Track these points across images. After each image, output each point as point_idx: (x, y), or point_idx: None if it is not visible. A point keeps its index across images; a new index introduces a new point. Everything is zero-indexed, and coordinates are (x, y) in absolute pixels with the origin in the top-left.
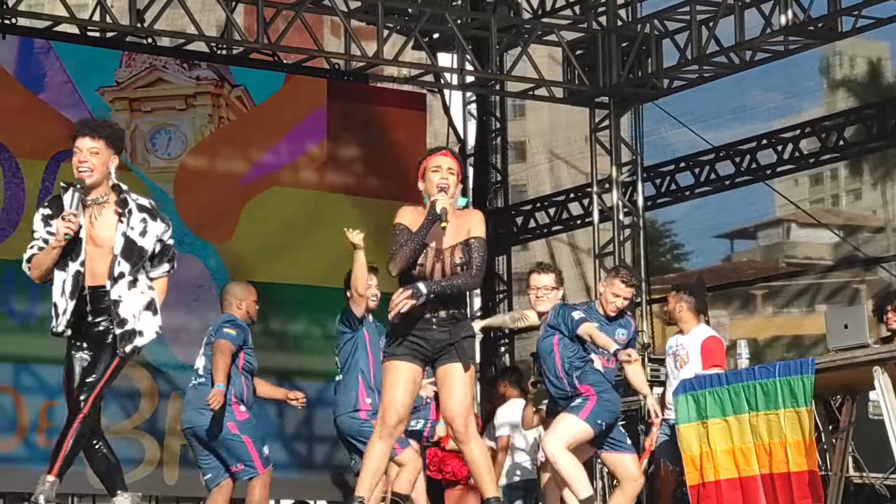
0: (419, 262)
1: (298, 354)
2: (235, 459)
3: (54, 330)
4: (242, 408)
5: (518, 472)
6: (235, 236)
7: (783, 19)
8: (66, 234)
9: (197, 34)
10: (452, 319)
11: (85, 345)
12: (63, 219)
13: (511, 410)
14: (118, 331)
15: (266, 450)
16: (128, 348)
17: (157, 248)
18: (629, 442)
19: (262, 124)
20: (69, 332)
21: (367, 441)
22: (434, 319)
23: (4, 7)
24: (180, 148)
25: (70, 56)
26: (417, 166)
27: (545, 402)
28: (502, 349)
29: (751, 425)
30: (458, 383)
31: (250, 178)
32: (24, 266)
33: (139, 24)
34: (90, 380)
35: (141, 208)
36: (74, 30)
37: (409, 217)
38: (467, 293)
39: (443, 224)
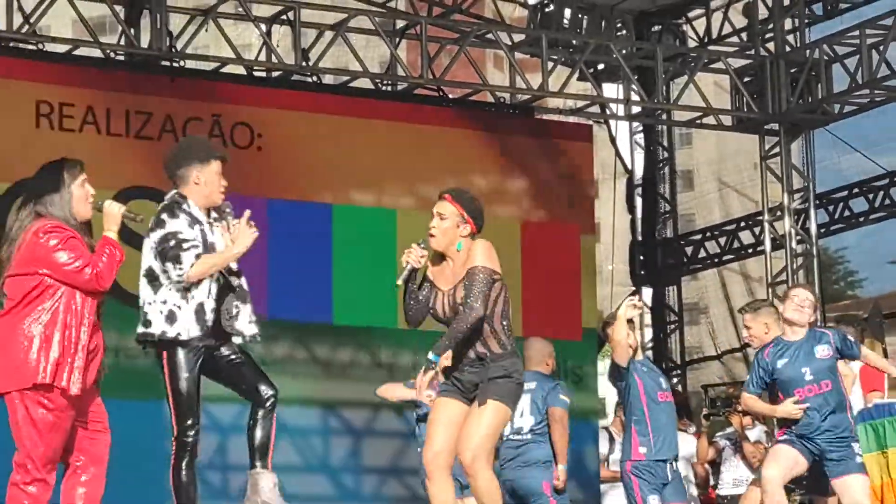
0: (432, 305)
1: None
2: None
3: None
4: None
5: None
6: None
7: None
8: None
9: (361, 71)
10: (480, 361)
11: (222, 342)
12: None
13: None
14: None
15: None
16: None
17: None
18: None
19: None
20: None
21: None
22: (464, 363)
23: (173, 51)
24: None
25: None
26: None
27: (719, 433)
28: (675, 380)
29: None
30: (473, 418)
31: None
32: (187, 270)
33: (304, 63)
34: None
35: None
36: (241, 70)
37: (432, 268)
38: (480, 327)
39: (398, 283)
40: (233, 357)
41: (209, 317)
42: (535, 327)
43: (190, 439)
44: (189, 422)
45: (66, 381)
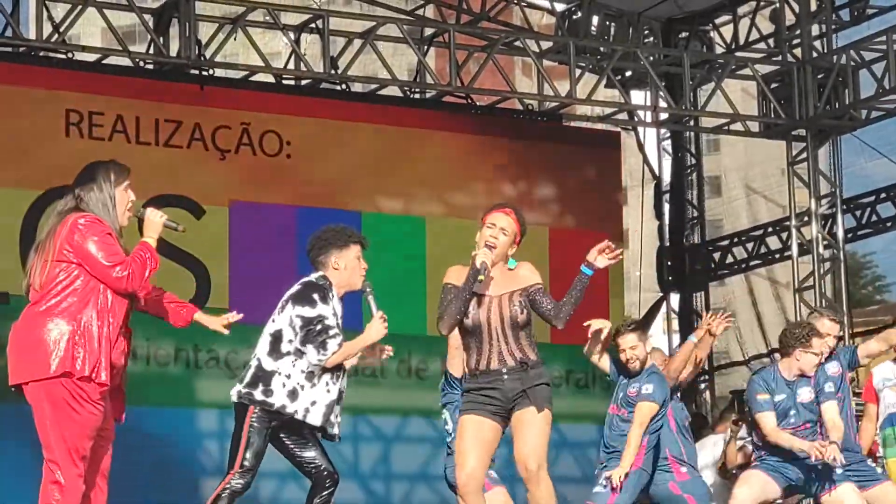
0: (469, 310)
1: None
2: None
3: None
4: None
5: None
6: None
7: None
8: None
9: (390, 79)
10: (523, 366)
11: None
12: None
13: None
14: None
15: None
16: None
17: None
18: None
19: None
20: None
21: None
22: (504, 370)
23: (202, 59)
24: None
25: None
26: (481, 218)
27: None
28: (702, 385)
29: None
30: (530, 426)
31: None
32: (329, 357)
33: (333, 71)
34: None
35: None
36: (270, 78)
37: (457, 275)
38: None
39: (480, 278)
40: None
41: (324, 412)
42: (562, 334)
43: (241, 486)
44: (249, 473)
45: (106, 375)
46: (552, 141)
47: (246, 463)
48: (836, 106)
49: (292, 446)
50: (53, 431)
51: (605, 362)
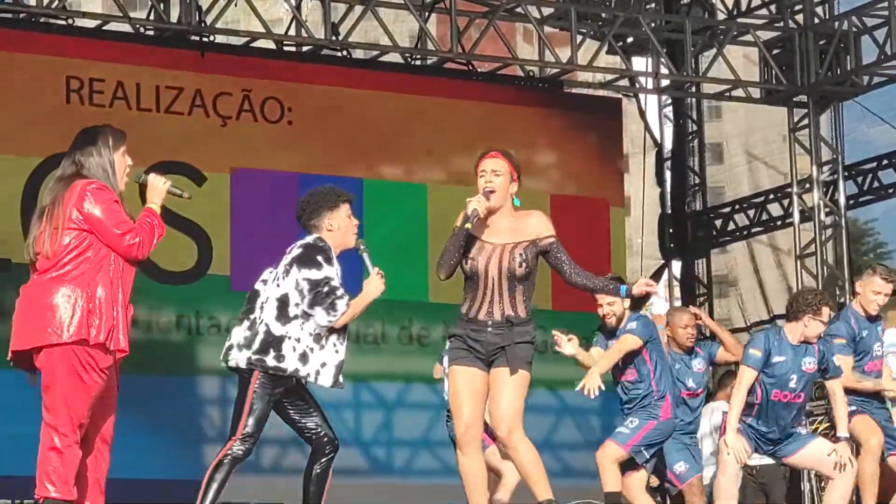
0: (471, 256)
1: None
2: None
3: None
4: None
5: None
6: None
7: None
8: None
9: (391, 45)
10: (507, 323)
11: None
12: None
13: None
14: None
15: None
16: None
17: None
18: None
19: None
20: None
21: None
22: (490, 322)
23: (203, 25)
24: None
25: None
26: (475, 172)
27: None
28: None
29: None
30: (504, 387)
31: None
32: (338, 318)
33: (334, 37)
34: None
35: None
36: (271, 44)
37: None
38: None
39: (468, 225)
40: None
41: (334, 373)
42: (564, 301)
43: (242, 453)
44: (251, 439)
45: (125, 340)
46: (553, 108)
47: (248, 429)
48: (838, 72)
49: (293, 412)
50: (59, 398)
51: (594, 352)
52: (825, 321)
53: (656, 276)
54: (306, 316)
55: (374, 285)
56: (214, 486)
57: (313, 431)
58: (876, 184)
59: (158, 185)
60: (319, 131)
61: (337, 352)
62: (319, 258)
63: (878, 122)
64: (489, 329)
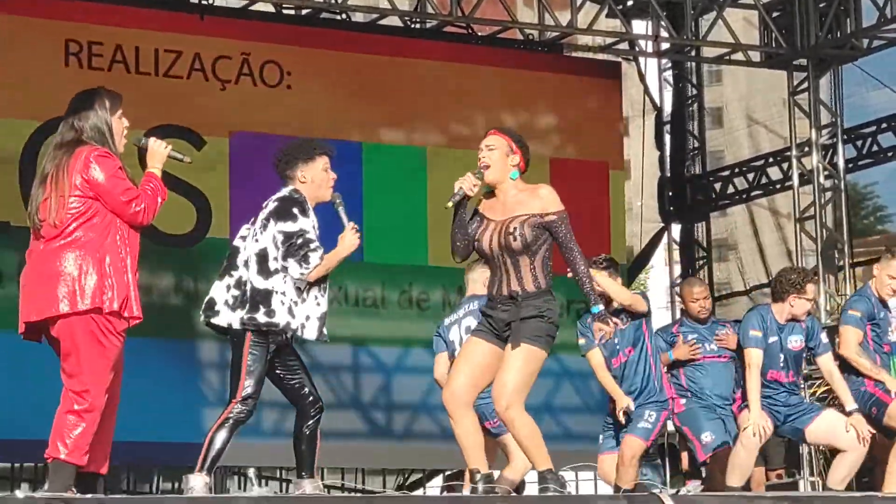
0: (477, 236)
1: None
2: None
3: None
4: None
5: None
6: None
7: None
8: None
9: (391, 9)
10: (512, 300)
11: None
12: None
13: None
14: None
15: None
16: None
17: None
18: None
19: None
20: None
21: None
22: (500, 299)
23: None
24: None
25: None
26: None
27: None
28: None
29: None
30: (506, 363)
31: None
32: (311, 270)
33: (334, 1)
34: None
35: None
36: (270, 8)
37: (485, 202)
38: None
39: (448, 204)
40: (290, 361)
41: (318, 326)
42: (564, 264)
43: (244, 415)
44: (251, 400)
45: (138, 308)
46: (553, 71)
47: (247, 390)
48: (838, 35)
49: (281, 372)
50: (86, 364)
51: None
52: (810, 298)
53: (656, 240)
54: (285, 269)
55: (348, 240)
56: (216, 448)
57: (298, 391)
58: (875, 147)
59: (159, 150)
60: (318, 95)
61: (318, 304)
62: (295, 210)
63: (877, 85)
64: (500, 306)
